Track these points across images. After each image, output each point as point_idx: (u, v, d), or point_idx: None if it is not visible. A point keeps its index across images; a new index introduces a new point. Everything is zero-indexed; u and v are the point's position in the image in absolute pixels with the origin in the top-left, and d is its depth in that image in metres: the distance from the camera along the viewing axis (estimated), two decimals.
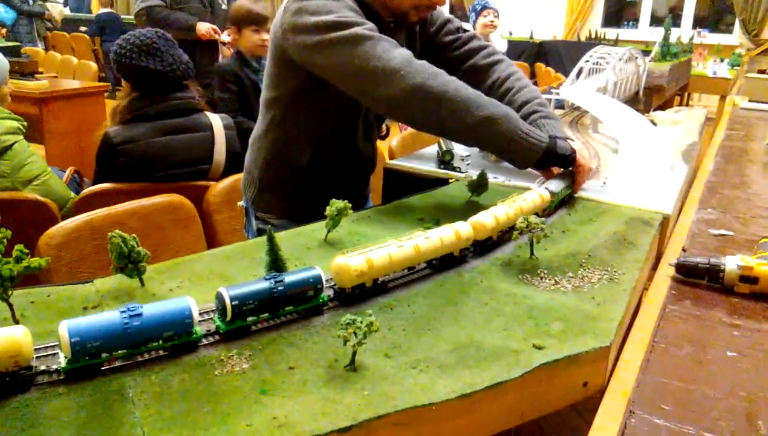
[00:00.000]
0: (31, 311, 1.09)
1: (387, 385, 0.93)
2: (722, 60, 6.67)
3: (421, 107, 1.57)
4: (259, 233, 1.96)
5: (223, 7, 4.50)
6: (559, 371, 1.02)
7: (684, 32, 7.62)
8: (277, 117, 1.84)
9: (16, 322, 1.03)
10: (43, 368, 0.91)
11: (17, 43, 5.88)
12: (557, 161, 1.69)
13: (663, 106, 4.37)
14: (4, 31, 8.01)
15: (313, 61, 1.64)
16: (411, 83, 1.52)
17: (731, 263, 1.28)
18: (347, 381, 0.94)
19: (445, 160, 2.05)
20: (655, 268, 1.48)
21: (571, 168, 1.72)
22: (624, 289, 1.26)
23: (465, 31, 2.00)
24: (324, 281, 1.11)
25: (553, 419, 2.55)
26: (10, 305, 1.03)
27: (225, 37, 4.34)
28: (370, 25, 1.61)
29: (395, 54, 1.56)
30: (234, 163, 2.59)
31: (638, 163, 2.06)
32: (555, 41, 9.46)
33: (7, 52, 2.75)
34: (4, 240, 0.99)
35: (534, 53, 8.88)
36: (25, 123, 2.44)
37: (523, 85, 1.91)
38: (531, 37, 9.36)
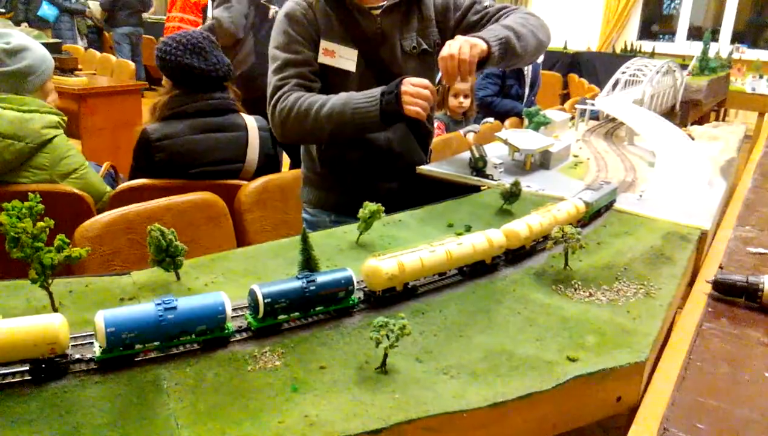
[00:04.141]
0: (69, 300, 1.12)
1: (418, 389, 0.93)
2: (761, 76, 6.50)
3: (293, 136, 1.93)
4: (305, 224, 2.20)
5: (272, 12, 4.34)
6: (592, 384, 1.01)
7: (722, 47, 7.48)
8: None
9: (55, 310, 1.06)
10: (77, 356, 0.93)
11: (58, 40, 6.02)
12: (399, 115, 1.78)
13: (700, 121, 4.30)
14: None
15: None
16: (278, 132, 1.92)
17: None
18: (378, 383, 0.94)
19: (477, 167, 2.04)
20: (691, 284, 1.45)
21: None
22: (660, 304, 1.24)
23: (491, 6, 2.08)
24: (355, 283, 1.11)
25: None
26: (50, 294, 1.05)
27: None
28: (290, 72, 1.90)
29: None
30: (267, 164, 2.61)
31: (676, 177, 2.03)
32: (589, 52, 9.34)
33: (48, 48, 2.81)
34: (47, 229, 1.02)
35: (567, 64, 8.79)
36: (65, 117, 2.48)
37: (505, 19, 1.98)
38: (565, 48, 9.26)
